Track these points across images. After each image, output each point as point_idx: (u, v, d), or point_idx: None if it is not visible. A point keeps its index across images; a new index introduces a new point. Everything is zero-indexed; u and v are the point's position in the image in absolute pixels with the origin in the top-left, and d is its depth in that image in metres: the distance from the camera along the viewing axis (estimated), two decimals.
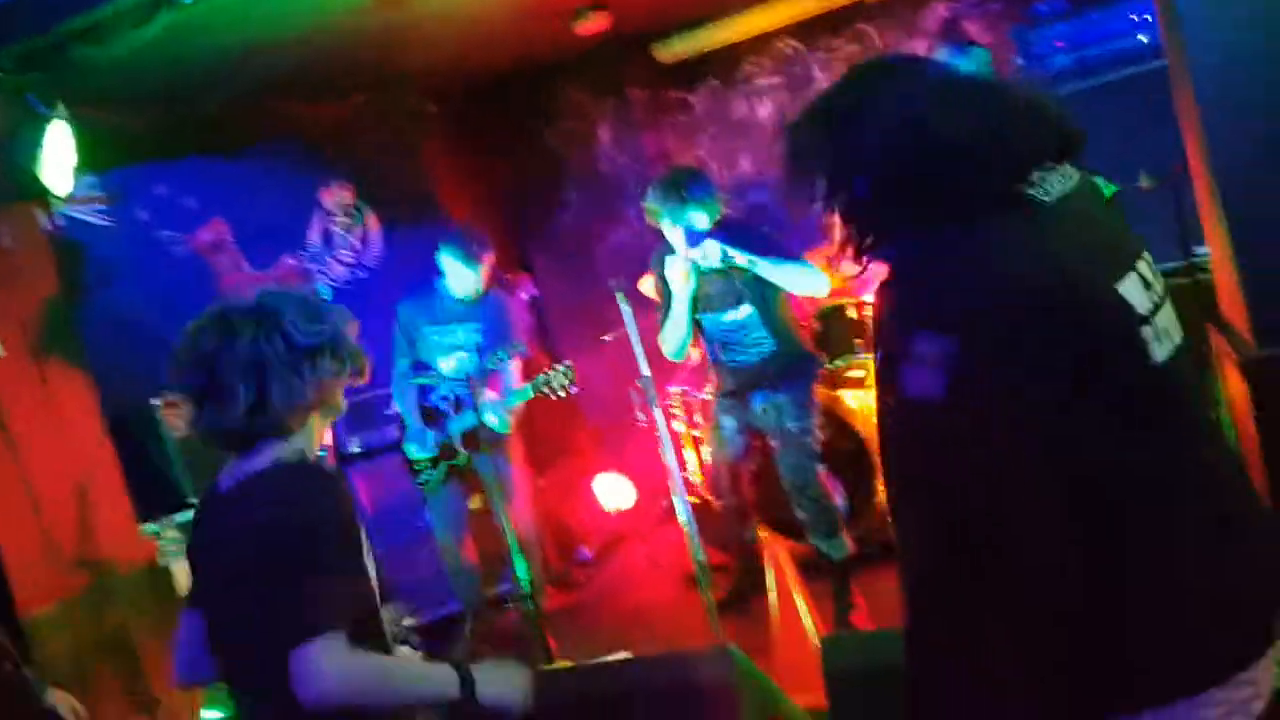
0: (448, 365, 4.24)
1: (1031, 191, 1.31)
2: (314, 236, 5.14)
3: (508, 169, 5.99)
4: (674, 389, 4.90)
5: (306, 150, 5.08)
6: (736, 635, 3.28)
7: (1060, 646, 1.23)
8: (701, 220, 3.58)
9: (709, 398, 4.34)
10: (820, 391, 4.47)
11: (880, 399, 1.35)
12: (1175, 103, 2.25)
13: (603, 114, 5.83)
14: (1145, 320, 1.28)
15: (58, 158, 3.25)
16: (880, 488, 4.32)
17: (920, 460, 1.30)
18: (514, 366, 4.16)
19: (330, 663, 1.66)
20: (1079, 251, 1.29)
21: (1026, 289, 1.24)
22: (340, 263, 5.15)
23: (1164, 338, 1.30)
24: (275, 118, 4.88)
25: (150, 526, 3.88)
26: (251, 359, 1.81)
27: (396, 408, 4.36)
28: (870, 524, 4.27)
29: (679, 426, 4.92)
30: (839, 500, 4.07)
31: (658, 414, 3.22)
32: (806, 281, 3.63)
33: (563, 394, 3.89)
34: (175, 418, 4.26)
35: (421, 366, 4.32)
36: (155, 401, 4.29)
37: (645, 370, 3.24)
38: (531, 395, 3.99)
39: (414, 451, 4.30)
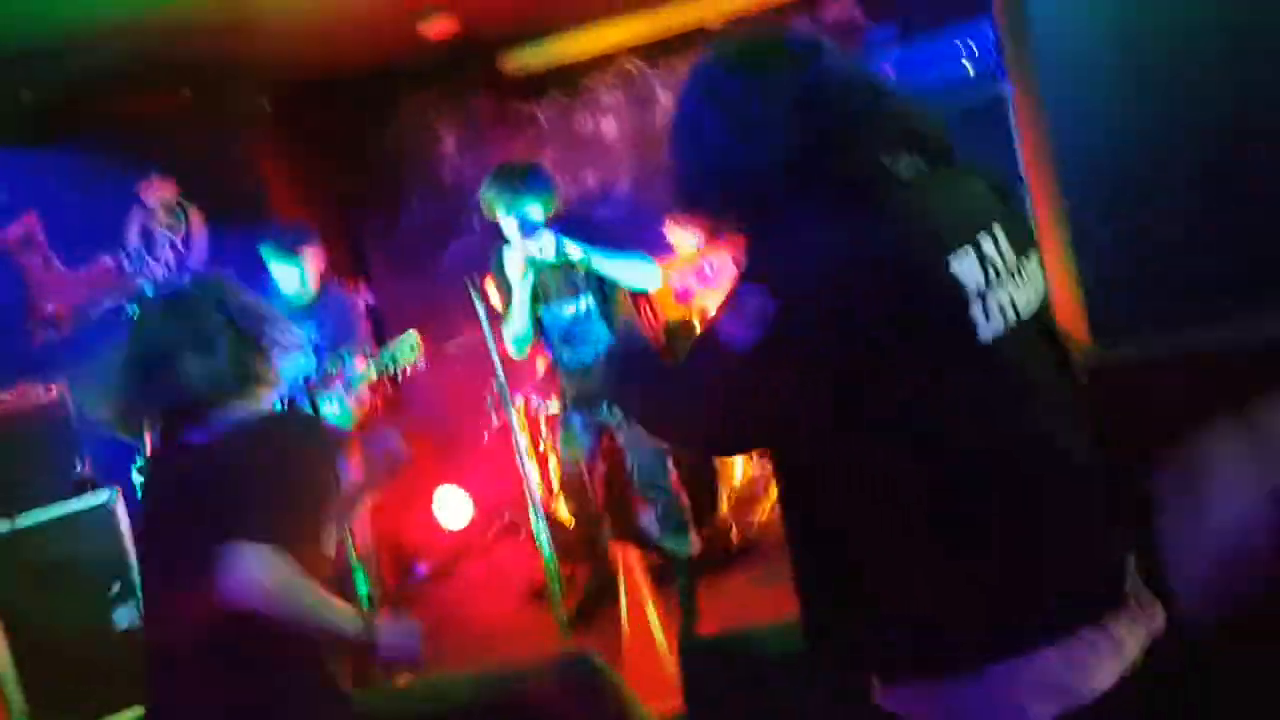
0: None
1: (878, 172, 1.37)
2: (133, 235, 4.84)
3: (345, 172, 5.80)
4: (518, 401, 4.85)
5: (128, 144, 4.78)
6: (586, 646, 3.26)
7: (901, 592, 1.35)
8: (536, 212, 3.59)
9: (554, 410, 4.32)
10: None
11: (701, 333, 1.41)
12: (1016, 106, 2.37)
13: (446, 122, 5.75)
14: (978, 297, 1.31)
15: None
16: (724, 494, 4.40)
17: (701, 401, 1.43)
18: (358, 365, 3.99)
19: (260, 563, 1.78)
20: (916, 230, 1.34)
21: (850, 262, 1.29)
22: (161, 263, 4.86)
23: (1000, 314, 1.33)
24: (95, 109, 4.57)
25: None
26: (221, 329, 2.01)
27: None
28: (714, 529, 4.35)
29: (523, 439, 4.86)
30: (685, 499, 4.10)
31: (512, 416, 3.17)
32: (638, 273, 3.68)
33: (408, 369, 3.70)
34: None
35: None
36: None
37: (500, 373, 3.19)
38: (376, 374, 3.79)
39: None
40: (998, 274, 1.35)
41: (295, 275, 3.99)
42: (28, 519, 3.92)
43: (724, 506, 4.41)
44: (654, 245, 5.39)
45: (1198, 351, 1.95)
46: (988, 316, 1.32)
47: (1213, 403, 1.82)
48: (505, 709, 2.28)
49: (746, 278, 1.34)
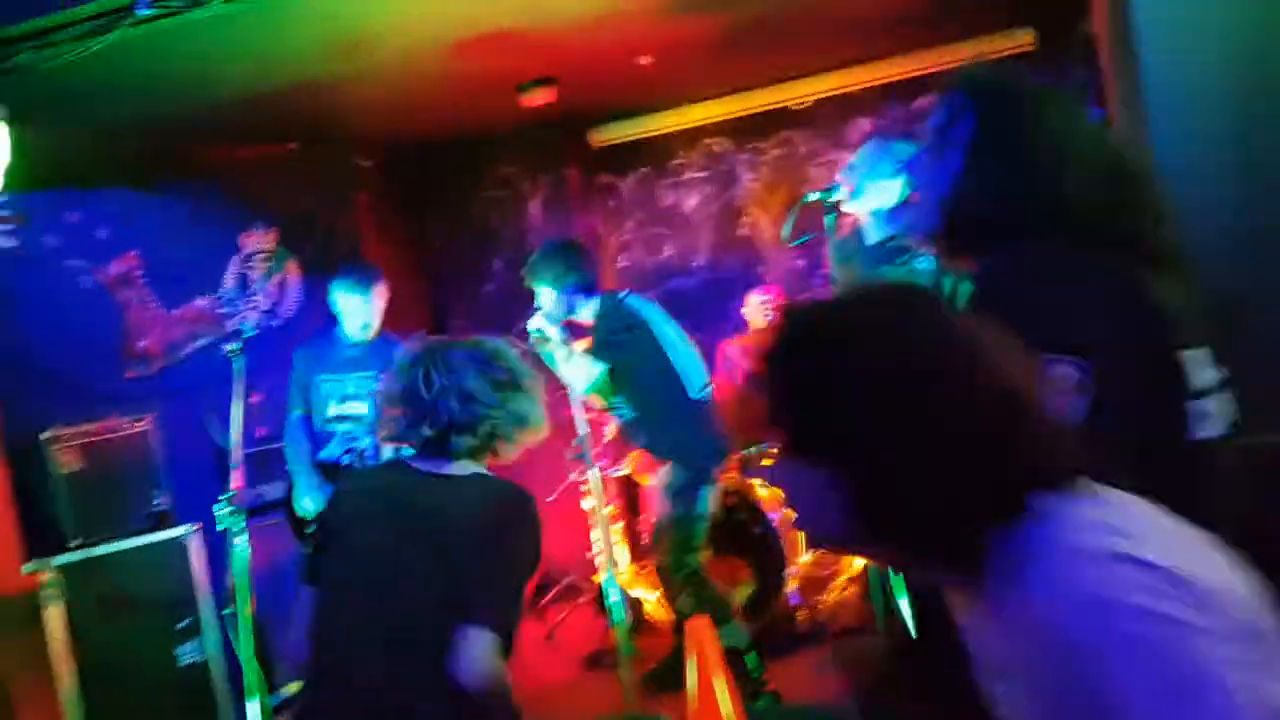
0: (340, 414, 4.06)
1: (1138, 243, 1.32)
2: (229, 280, 4.99)
3: (435, 232, 5.96)
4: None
5: (231, 192, 4.96)
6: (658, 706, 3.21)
7: None
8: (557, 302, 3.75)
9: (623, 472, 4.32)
10: (731, 477, 4.53)
11: None
12: None
13: (534, 189, 5.89)
14: (1195, 395, 1.27)
15: None
16: (791, 575, 4.34)
17: None
18: None
19: (493, 655, 1.88)
20: (1173, 308, 1.30)
21: (1152, 326, 1.26)
22: (254, 309, 5.00)
23: (1209, 421, 1.29)
24: (203, 156, 4.77)
25: (30, 565, 3.62)
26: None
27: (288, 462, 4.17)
28: (777, 613, 4.28)
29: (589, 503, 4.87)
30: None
31: (593, 472, 3.18)
32: (578, 378, 3.67)
33: None
34: (65, 454, 4.02)
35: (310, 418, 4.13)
36: (45, 436, 4.04)
37: (582, 429, 3.21)
38: None
39: (305, 506, 4.10)
40: (1214, 383, 1.32)
41: (364, 310, 3.99)
42: (106, 548, 3.98)
43: (790, 587, 4.35)
44: (727, 319, 5.47)
45: None
46: (1208, 420, 1.29)
47: None
48: None
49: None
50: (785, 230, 3.35)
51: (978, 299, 1.32)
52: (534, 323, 3.73)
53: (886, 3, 4.42)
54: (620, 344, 3.66)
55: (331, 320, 4.12)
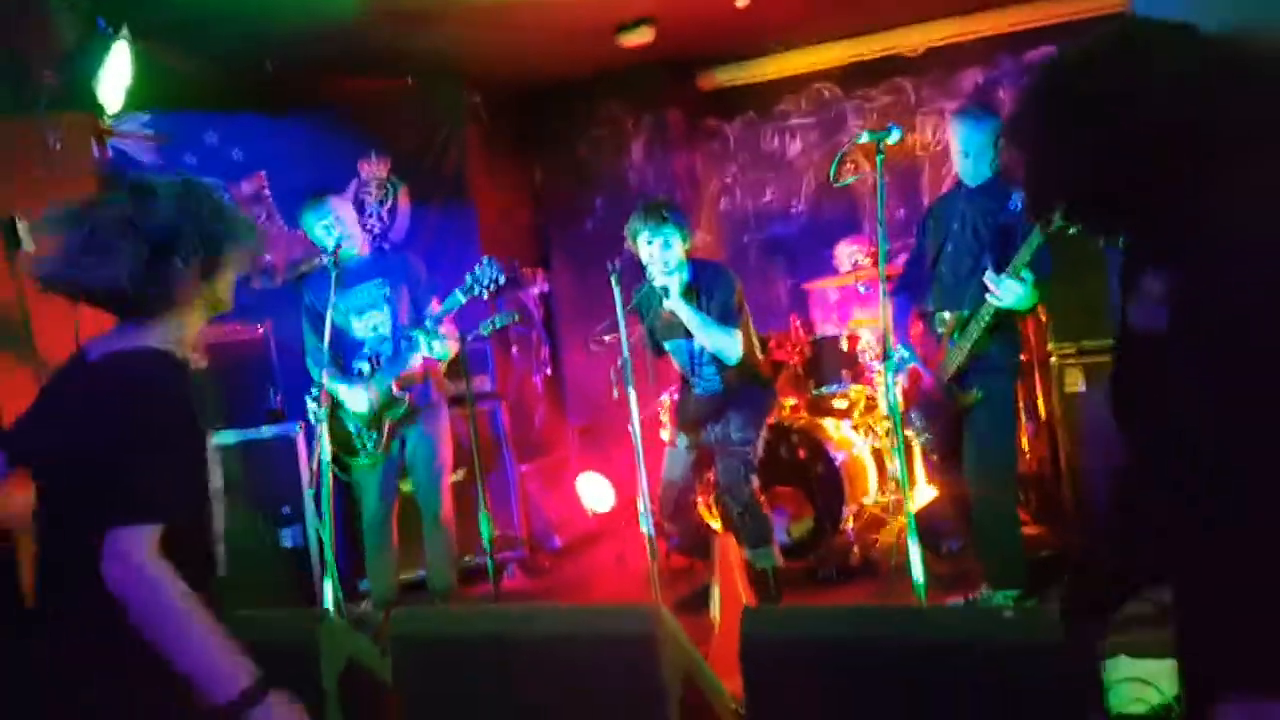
0: (363, 327, 4.13)
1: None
2: (346, 201, 5.37)
3: (540, 168, 6.23)
4: (665, 396, 5.06)
5: (351, 121, 5.33)
6: (683, 624, 3.41)
7: None
8: (676, 243, 3.79)
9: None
10: (801, 417, 4.66)
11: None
12: None
13: (638, 130, 6.07)
14: None
15: (115, 77, 3.49)
16: (850, 513, 4.46)
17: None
18: (433, 308, 4.02)
19: (144, 552, 1.58)
20: None
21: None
22: (367, 231, 5.38)
23: None
24: (326, 87, 5.14)
25: None
26: (166, 225, 1.75)
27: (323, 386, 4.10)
28: (832, 547, 4.42)
29: (665, 434, 5.07)
30: (772, 514, 4.14)
31: (631, 394, 3.38)
32: (720, 345, 3.83)
33: (492, 287, 3.88)
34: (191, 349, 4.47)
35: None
36: None
37: (626, 353, 3.41)
38: (459, 304, 3.92)
39: (357, 404, 4.08)
40: None
41: (333, 226, 4.03)
42: (222, 437, 4.43)
43: (849, 524, 4.47)
44: (823, 266, 5.54)
45: None
46: None
47: None
48: (570, 640, 2.47)
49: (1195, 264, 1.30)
50: (832, 169, 3.45)
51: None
52: (660, 281, 3.79)
53: None
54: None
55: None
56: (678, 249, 3.82)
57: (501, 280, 3.86)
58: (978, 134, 3.62)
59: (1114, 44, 1.37)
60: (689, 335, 3.91)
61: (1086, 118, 1.34)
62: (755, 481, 3.98)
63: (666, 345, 4.09)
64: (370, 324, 4.15)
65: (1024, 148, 1.45)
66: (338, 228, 4.01)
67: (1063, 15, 5.14)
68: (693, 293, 3.87)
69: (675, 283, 3.81)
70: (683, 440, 4.11)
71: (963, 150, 3.64)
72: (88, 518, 1.62)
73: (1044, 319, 4.37)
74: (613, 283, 3.40)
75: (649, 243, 3.80)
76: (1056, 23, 5.19)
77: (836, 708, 2.26)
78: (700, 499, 4.52)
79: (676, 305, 3.79)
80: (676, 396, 4.34)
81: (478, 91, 5.70)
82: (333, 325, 3.95)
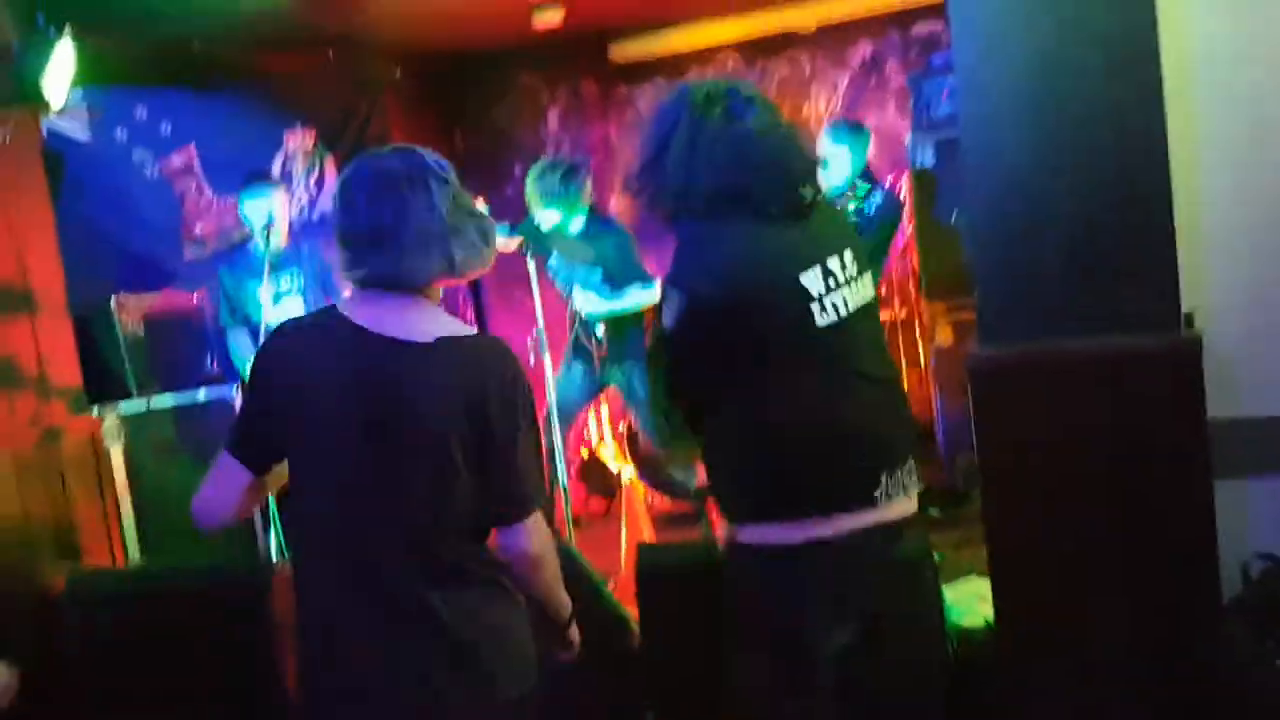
0: (278, 313, 4.39)
1: (772, 210, 2.00)
2: (274, 173, 5.62)
3: (461, 137, 6.52)
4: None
5: (277, 95, 5.56)
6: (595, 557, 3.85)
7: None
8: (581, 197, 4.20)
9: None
10: None
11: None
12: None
13: (553, 99, 6.39)
14: (817, 298, 1.99)
15: (59, 73, 3.72)
16: None
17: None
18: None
19: (544, 531, 1.87)
20: (779, 254, 2.00)
21: (729, 272, 1.97)
22: (296, 199, 5.64)
23: (829, 311, 1.99)
24: (252, 60, 5.36)
25: (95, 410, 4.33)
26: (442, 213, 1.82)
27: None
28: None
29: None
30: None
31: (546, 361, 3.79)
32: (642, 299, 4.24)
33: None
34: (129, 318, 4.73)
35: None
36: (112, 301, 4.74)
37: (540, 328, 3.82)
38: None
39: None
40: (836, 284, 2.01)
41: (268, 210, 4.34)
42: (162, 400, 4.69)
43: None
44: None
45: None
46: (824, 311, 1.99)
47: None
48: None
49: (669, 280, 2.02)
50: None
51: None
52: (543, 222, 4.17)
53: None
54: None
55: None
56: (583, 197, 4.21)
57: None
58: (833, 144, 4.14)
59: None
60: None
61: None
62: None
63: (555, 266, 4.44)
64: (286, 309, 4.43)
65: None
66: (270, 214, 4.28)
67: None
68: (587, 247, 4.23)
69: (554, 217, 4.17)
70: (579, 366, 4.46)
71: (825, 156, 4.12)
72: (485, 492, 1.81)
73: (917, 279, 4.87)
74: (528, 257, 3.78)
75: (543, 211, 4.23)
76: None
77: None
78: (612, 442, 4.95)
79: (558, 242, 4.15)
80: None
81: (397, 64, 5.96)
82: (250, 308, 4.26)
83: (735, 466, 2.06)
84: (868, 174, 4.38)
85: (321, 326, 1.90)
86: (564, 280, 4.41)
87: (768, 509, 2.02)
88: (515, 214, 6.36)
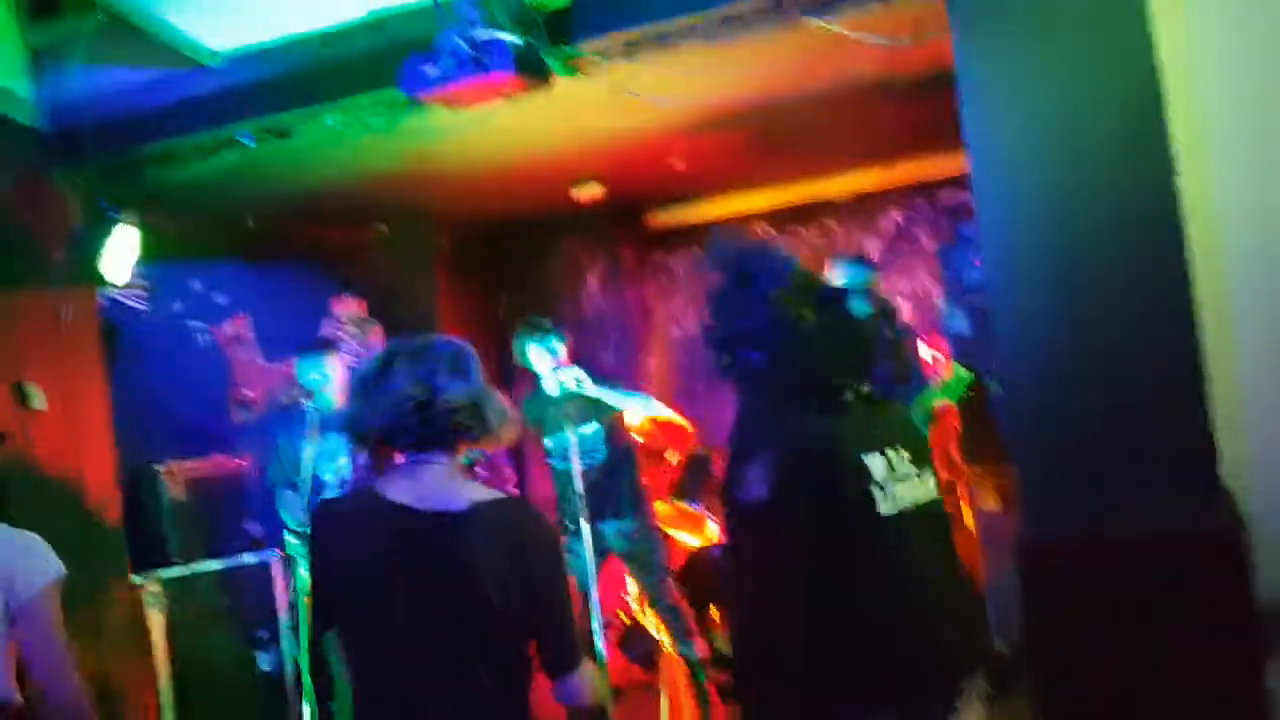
0: (330, 472, 4.44)
1: (835, 395, 2.05)
2: (322, 339, 5.78)
3: (505, 301, 6.70)
4: None
5: (327, 266, 5.78)
6: None
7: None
8: (561, 350, 4.39)
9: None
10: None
11: (724, 504, 2.09)
12: None
13: (594, 265, 6.58)
14: (879, 485, 1.98)
15: (120, 254, 3.91)
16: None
17: (743, 539, 2.01)
18: None
19: (596, 677, 2.01)
20: (847, 434, 2.01)
21: (802, 449, 1.95)
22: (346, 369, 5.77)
23: (890, 500, 1.98)
24: (303, 235, 5.61)
25: (137, 578, 4.37)
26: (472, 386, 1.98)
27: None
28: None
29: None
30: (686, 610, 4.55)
31: (585, 529, 3.79)
32: (637, 404, 4.47)
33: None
34: (174, 484, 4.82)
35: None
36: (158, 466, 4.83)
37: (579, 488, 3.84)
38: None
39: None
40: (895, 475, 2.02)
41: (326, 376, 4.47)
42: (202, 566, 4.73)
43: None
44: None
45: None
46: (886, 499, 1.99)
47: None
48: None
49: (748, 449, 2.00)
50: None
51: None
52: (566, 376, 4.32)
53: (885, 112, 4.92)
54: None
55: None
56: (561, 352, 4.38)
57: None
58: (851, 274, 4.24)
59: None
60: (590, 419, 4.41)
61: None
62: (673, 587, 4.40)
63: (552, 440, 4.51)
64: (336, 469, 4.50)
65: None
66: (326, 377, 4.42)
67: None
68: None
69: (577, 373, 4.32)
70: (580, 548, 4.29)
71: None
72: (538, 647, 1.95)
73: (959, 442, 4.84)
74: None
75: (540, 355, 4.37)
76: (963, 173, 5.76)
77: None
78: (637, 607, 4.89)
79: (590, 386, 4.29)
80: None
81: (444, 235, 6.19)
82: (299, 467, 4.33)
83: (818, 650, 1.94)
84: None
85: (362, 510, 2.00)
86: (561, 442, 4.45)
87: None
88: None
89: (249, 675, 4.85)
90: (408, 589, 1.88)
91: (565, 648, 1.96)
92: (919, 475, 2.07)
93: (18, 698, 2.08)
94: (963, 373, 4.11)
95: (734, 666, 2.08)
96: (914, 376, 4.25)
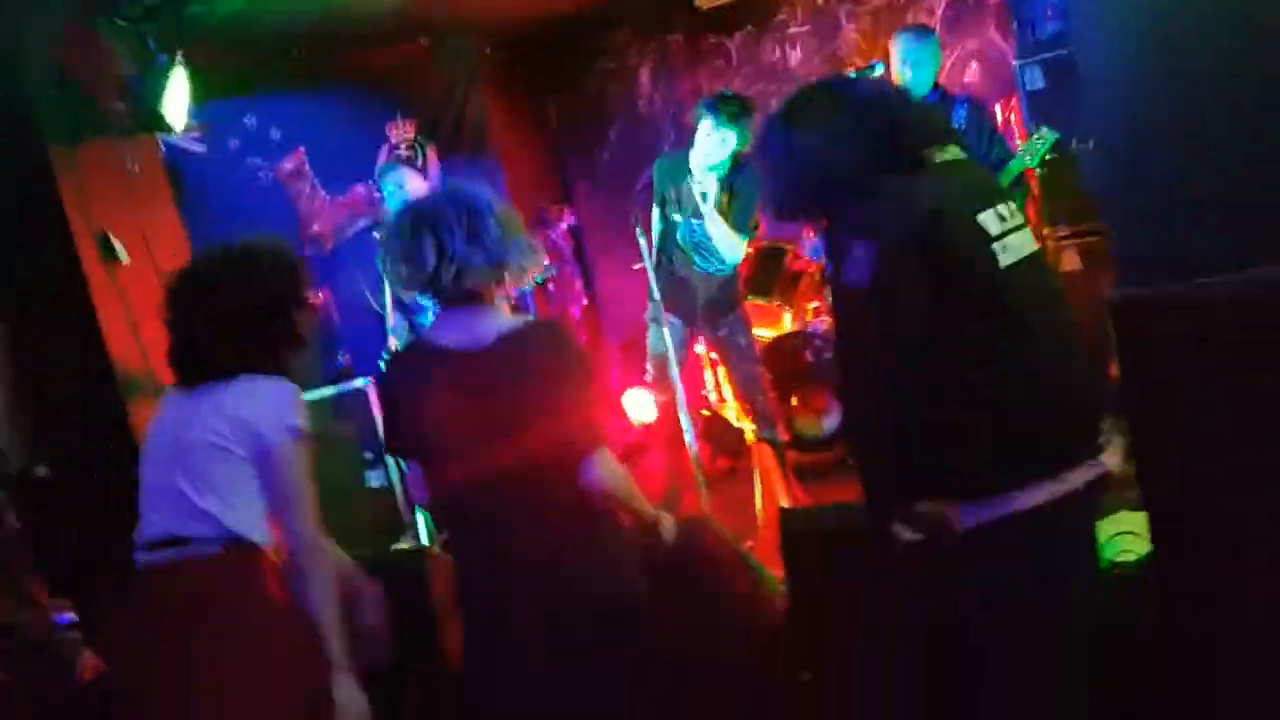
0: None
1: (924, 157, 1.99)
2: (382, 162, 5.76)
3: (554, 108, 6.55)
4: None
5: (376, 89, 5.68)
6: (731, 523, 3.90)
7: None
8: (731, 141, 3.96)
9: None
10: (824, 319, 5.11)
11: (832, 289, 2.07)
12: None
13: (643, 56, 6.35)
14: (996, 238, 1.94)
15: (177, 97, 3.87)
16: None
17: (853, 322, 1.98)
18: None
19: (612, 461, 2.17)
20: (953, 195, 1.97)
21: (914, 214, 1.90)
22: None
23: (1010, 251, 1.94)
24: (350, 59, 5.48)
25: None
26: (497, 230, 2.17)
27: None
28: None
29: (699, 348, 5.49)
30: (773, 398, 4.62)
31: (666, 334, 3.82)
32: (729, 250, 4.11)
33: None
34: None
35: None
36: None
37: (656, 295, 3.84)
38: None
39: None
40: (1009, 226, 1.98)
41: (393, 189, 4.37)
42: (310, 394, 4.88)
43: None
44: None
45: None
46: (1005, 250, 1.95)
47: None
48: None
49: (846, 236, 1.94)
50: None
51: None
52: (700, 181, 3.99)
53: None
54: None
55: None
56: (730, 146, 3.97)
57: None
58: (916, 47, 4.02)
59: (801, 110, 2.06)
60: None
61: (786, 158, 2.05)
62: (766, 375, 4.44)
63: (678, 219, 4.22)
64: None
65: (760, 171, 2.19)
66: (406, 192, 4.30)
67: None
68: (724, 189, 4.06)
69: (713, 186, 4.01)
70: (677, 321, 4.25)
71: (905, 60, 4.00)
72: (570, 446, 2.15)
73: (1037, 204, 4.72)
74: (638, 236, 3.79)
75: (708, 134, 3.97)
76: None
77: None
78: (732, 402, 4.99)
79: (710, 215, 4.00)
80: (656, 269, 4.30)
81: (489, 42, 6.00)
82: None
83: (956, 430, 1.94)
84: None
85: (415, 357, 2.34)
86: (692, 234, 4.29)
87: (1008, 473, 1.93)
88: (613, 178, 6.45)
89: (360, 492, 5.10)
90: (464, 423, 2.14)
91: (580, 431, 2.15)
92: (1025, 225, 2.03)
93: (273, 541, 2.22)
94: (1046, 134, 3.94)
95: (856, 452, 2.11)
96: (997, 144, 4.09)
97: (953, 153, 2.03)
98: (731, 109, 3.96)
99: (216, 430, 2.18)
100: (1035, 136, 4.01)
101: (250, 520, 2.19)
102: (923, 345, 1.89)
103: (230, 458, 2.17)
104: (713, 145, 3.97)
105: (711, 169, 4.03)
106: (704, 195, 4.02)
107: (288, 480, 2.20)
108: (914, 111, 2.07)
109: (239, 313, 2.24)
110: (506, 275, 2.20)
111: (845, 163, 1.97)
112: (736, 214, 4.10)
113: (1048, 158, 4.04)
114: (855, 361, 2.01)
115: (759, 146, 2.13)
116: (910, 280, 1.87)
